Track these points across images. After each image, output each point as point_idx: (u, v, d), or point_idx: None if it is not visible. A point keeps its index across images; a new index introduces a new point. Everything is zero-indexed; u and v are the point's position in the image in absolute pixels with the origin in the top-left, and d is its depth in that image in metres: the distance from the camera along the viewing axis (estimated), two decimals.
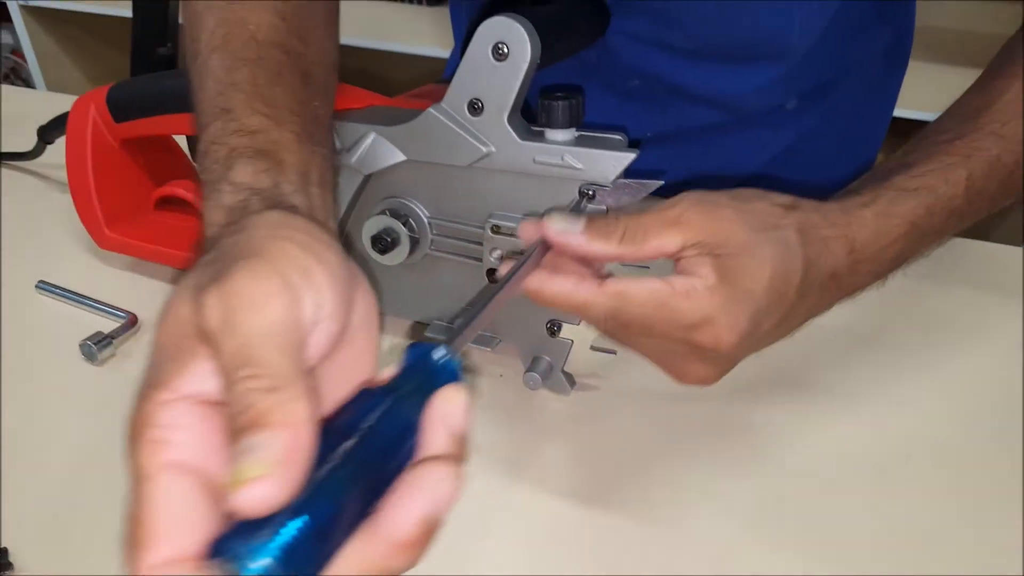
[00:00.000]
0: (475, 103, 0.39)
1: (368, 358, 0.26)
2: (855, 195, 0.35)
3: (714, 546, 0.36)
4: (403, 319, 0.49)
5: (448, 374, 0.23)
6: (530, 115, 0.40)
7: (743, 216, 0.31)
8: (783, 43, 0.49)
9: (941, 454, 0.41)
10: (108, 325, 0.48)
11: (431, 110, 0.40)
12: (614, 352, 0.45)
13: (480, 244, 0.42)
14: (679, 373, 0.34)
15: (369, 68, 1.60)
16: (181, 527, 0.20)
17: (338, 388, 0.24)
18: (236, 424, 0.20)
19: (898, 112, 0.65)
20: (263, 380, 0.20)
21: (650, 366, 0.35)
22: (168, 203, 0.57)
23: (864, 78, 0.57)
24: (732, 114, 0.54)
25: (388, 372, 0.24)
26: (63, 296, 0.52)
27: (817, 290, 0.33)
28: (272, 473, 0.18)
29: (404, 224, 0.43)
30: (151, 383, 0.22)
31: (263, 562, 0.18)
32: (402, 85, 0.55)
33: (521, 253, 0.40)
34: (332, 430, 0.21)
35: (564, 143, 0.38)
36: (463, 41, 0.46)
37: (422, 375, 0.23)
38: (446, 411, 0.22)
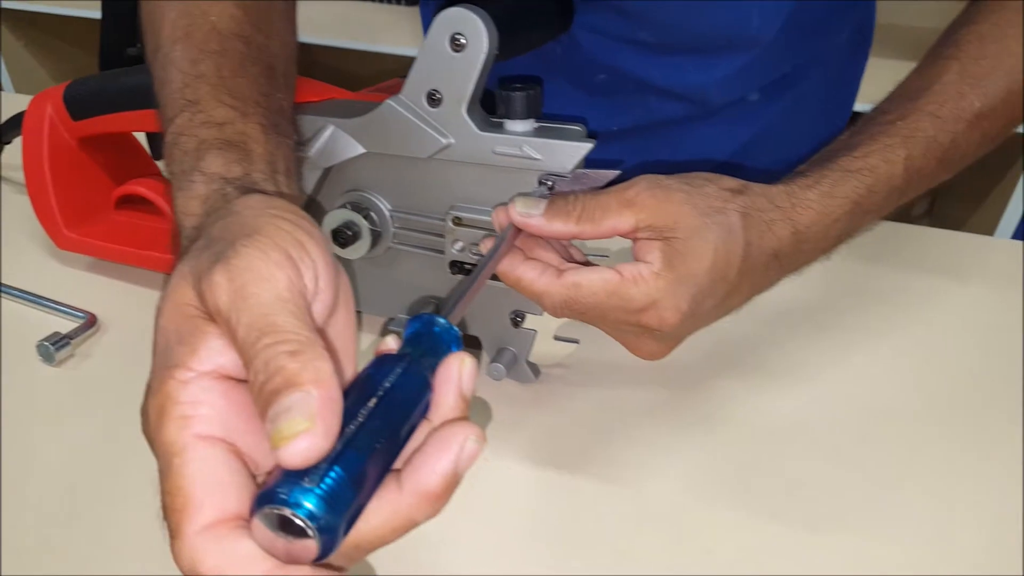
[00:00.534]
0: (433, 94, 0.38)
1: (350, 332, 0.27)
2: (801, 177, 0.36)
3: (668, 504, 0.37)
4: (369, 315, 0.49)
5: (450, 340, 0.26)
6: (492, 107, 0.40)
7: (693, 200, 0.33)
8: (744, 36, 0.50)
9: (889, 423, 0.42)
10: (67, 326, 0.47)
11: (389, 102, 0.39)
12: (577, 341, 0.45)
13: (442, 236, 0.42)
14: (633, 349, 0.38)
15: (349, 68, 1.60)
16: (221, 491, 0.21)
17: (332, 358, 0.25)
18: (267, 388, 0.21)
19: (860, 107, 0.66)
20: (286, 345, 0.21)
21: (611, 354, 0.38)
22: (129, 202, 0.56)
23: (826, 70, 0.57)
24: (697, 107, 0.55)
25: (391, 344, 0.25)
26: (20, 297, 0.51)
27: (760, 270, 0.35)
28: (313, 426, 0.20)
29: (365, 217, 0.42)
30: (165, 365, 0.23)
31: (310, 505, 0.19)
32: None
33: (476, 245, 0.41)
34: (354, 392, 0.23)
35: (523, 134, 0.38)
36: None
37: (427, 342, 0.25)
38: (456, 375, 0.24)
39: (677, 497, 0.38)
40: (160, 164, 0.59)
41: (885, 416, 0.43)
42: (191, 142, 0.30)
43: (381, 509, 0.22)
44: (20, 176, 0.54)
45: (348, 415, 0.22)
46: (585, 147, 0.37)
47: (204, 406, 0.22)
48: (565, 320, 0.47)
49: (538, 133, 0.39)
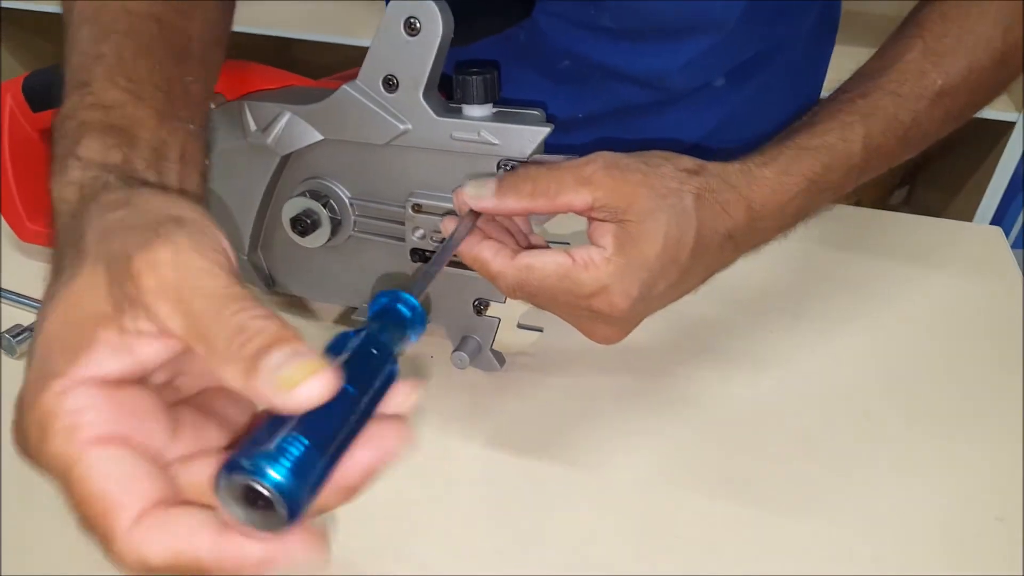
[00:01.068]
0: (390, 79, 0.38)
1: None
2: (758, 155, 0.36)
3: (635, 489, 0.38)
4: (331, 305, 0.49)
5: (415, 317, 0.26)
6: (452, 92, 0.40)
7: (649, 180, 0.33)
8: (705, 20, 0.50)
9: (862, 409, 0.42)
10: (30, 318, 0.47)
11: (346, 87, 0.39)
12: (541, 330, 0.45)
13: (403, 224, 0.41)
14: (587, 332, 0.37)
15: (326, 62, 1.58)
16: (136, 483, 0.20)
17: None
18: (252, 345, 0.20)
19: (827, 94, 0.66)
20: (257, 310, 0.21)
21: (576, 342, 0.37)
22: None
23: (792, 56, 0.57)
24: (662, 93, 0.55)
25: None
26: None
27: (714, 251, 0.35)
28: (321, 368, 0.20)
29: (324, 205, 0.42)
30: (40, 377, 0.21)
31: (277, 474, 0.19)
32: None
33: (437, 232, 0.40)
34: None
35: (481, 119, 0.38)
36: None
37: (391, 316, 0.26)
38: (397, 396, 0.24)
39: (643, 483, 0.38)
40: None
41: (859, 402, 0.43)
42: (72, 124, 0.29)
43: None
44: None
45: None
46: (543, 131, 0.37)
47: (88, 412, 0.21)
48: (529, 308, 0.47)
49: (496, 118, 0.38)
